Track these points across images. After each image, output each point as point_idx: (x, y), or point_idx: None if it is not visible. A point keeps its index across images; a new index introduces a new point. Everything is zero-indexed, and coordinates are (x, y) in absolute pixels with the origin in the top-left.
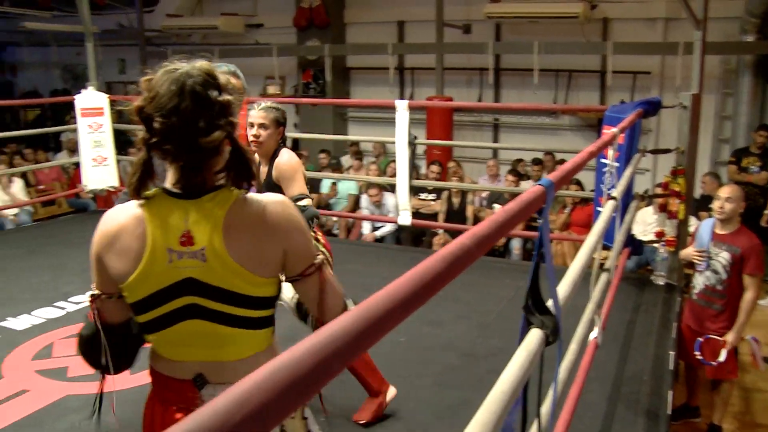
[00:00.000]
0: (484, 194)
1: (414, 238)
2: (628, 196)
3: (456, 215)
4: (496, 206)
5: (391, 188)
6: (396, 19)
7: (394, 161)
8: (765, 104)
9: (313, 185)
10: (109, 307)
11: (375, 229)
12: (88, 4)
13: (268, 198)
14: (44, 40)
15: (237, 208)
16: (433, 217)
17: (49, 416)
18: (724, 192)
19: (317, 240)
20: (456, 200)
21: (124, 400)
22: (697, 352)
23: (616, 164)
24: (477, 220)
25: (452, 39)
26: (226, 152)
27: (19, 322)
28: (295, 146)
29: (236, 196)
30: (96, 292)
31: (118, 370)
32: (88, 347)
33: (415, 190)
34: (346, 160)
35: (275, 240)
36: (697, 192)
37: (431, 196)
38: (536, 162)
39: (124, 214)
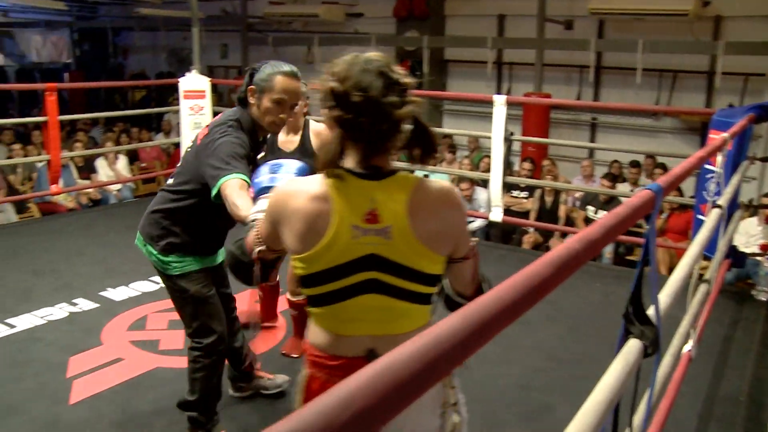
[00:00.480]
0: (578, 194)
1: (503, 235)
2: (732, 205)
3: (548, 214)
4: (590, 208)
5: (483, 183)
6: (497, 13)
7: (487, 156)
8: None
9: None
10: (267, 254)
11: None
12: None
13: (443, 183)
14: (154, 25)
15: (418, 190)
16: (524, 215)
17: (140, 385)
18: None
19: None
20: (549, 199)
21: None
22: None
23: (722, 171)
24: (569, 220)
25: (553, 34)
26: (406, 131)
27: (117, 293)
28: None
29: (415, 179)
30: (262, 247)
31: (255, 285)
32: (240, 272)
33: (507, 187)
34: (439, 152)
35: (452, 222)
36: None
37: (523, 194)
38: (634, 164)
39: (308, 187)
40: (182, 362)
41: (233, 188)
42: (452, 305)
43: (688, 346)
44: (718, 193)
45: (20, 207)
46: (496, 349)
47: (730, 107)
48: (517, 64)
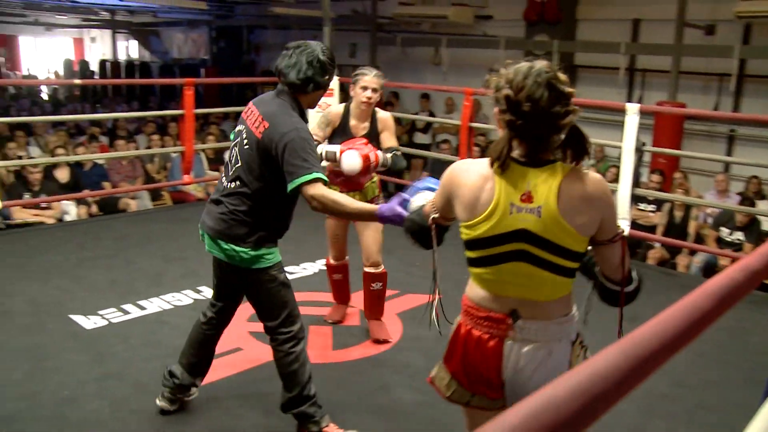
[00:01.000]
0: (709, 211)
1: (628, 248)
2: None
3: (676, 230)
4: (724, 230)
5: None
6: (631, 17)
7: (614, 166)
8: None
9: None
10: (440, 220)
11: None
12: None
13: (592, 175)
14: (286, 24)
15: (569, 178)
16: (651, 229)
17: (256, 376)
18: None
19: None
20: (678, 214)
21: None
22: None
23: None
24: (699, 237)
25: (692, 40)
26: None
27: None
28: None
29: (568, 169)
30: (436, 215)
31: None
32: (419, 236)
33: (634, 199)
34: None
35: (597, 208)
36: None
37: (651, 207)
38: None
39: (477, 169)
40: None
41: (321, 188)
42: (605, 293)
43: None
44: None
45: (155, 194)
46: None
47: None
48: (651, 71)
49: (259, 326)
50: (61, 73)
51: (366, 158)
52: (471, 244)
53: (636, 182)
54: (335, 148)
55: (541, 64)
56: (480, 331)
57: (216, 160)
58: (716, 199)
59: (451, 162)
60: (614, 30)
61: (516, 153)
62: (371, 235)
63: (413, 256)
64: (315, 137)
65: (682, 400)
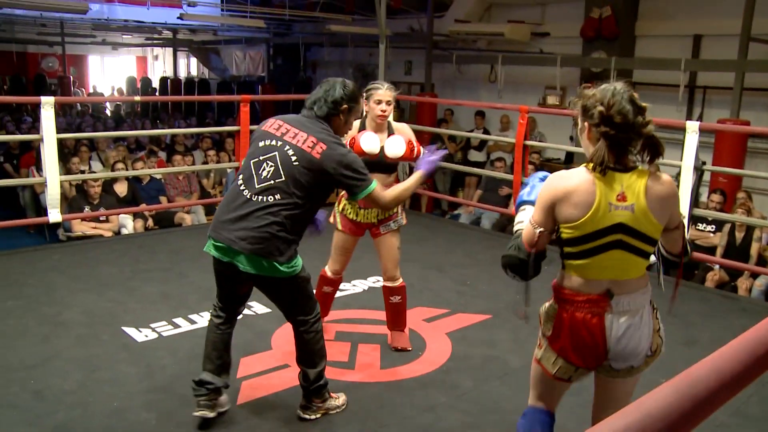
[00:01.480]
0: None
1: (685, 270)
2: None
3: (737, 252)
4: None
5: None
6: (692, 33)
7: None
8: None
9: None
10: (542, 239)
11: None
12: (384, 9)
13: (665, 177)
14: (343, 41)
15: (651, 180)
16: (710, 250)
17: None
18: None
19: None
20: (739, 235)
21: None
22: None
23: None
24: (761, 259)
25: (757, 55)
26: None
27: None
28: (569, 160)
29: (647, 172)
30: (540, 229)
31: (531, 278)
32: (519, 270)
33: (693, 220)
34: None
35: (671, 205)
36: None
37: (710, 227)
38: None
39: (578, 177)
40: (347, 375)
41: (380, 191)
42: (667, 263)
43: None
44: None
45: (209, 209)
46: None
47: None
48: (712, 88)
49: None
50: (125, 90)
51: (410, 143)
52: (573, 241)
53: (695, 202)
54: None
55: (620, 84)
56: (582, 313)
57: None
58: None
59: (505, 180)
60: (674, 46)
61: (609, 161)
62: (389, 251)
63: (464, 276)
64: None
65: (743, 431)
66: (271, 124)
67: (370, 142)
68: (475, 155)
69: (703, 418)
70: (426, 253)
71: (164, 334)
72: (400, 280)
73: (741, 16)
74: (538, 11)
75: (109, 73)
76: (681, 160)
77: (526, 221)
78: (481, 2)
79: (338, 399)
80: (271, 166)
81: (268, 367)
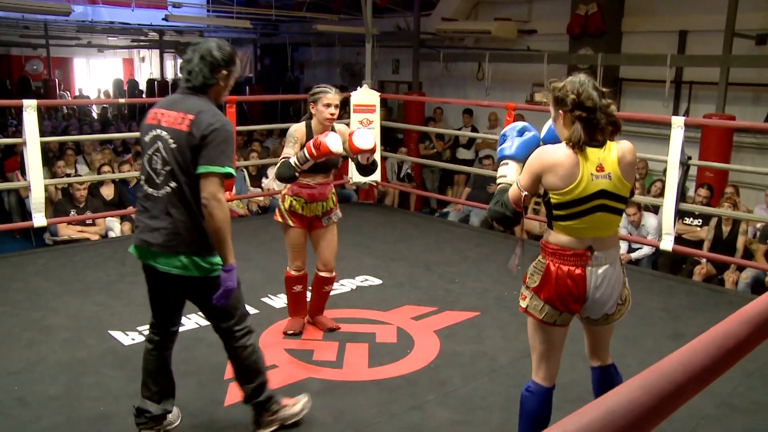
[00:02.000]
0: (759, 225)
1: (673, 264)
2: None
3: (723, 245)
4: None
5: (654, 209)
6: (678, 29)
7: (659, 180)
8: None
9: None
10: (527, 200)
11: (631, 250)
12: (371, 8)
13: (628, 145)
14: (330, 41)
15: (619, 151)
16: (697, 244)
17: (291, 394)
18: None
19: None
20: (726, 228)
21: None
22: None
23: None
24: (747, 253)
25: (742, 51)
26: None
27: (277, 301)
28: None
29: (615, 144)
30: (526, 193)
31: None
32: (505, 222)
33: (680, 214)
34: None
35: (634, 167)
36: None
37: (697, 222)
38: None
39: (563, 152)
40: (334, 374)
41: (221, 188)
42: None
43: None
44: None
45: None
46: None
47: None
48: (698, 83)
49: (295, 343)
50: (111, 92)
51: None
52: (561, 205)
53: (682, 196)
54: (302, 151)
55: (583, 76)
56: (568, 265)
57: (257, 177)
58: (766, 213)
59: (493, 177)
60: (660, 42)
61: (584, 138)
62: (330, 242)
63: (453, 273)
64: (287, 157)
65: (730, 423)
66: (152, 116)
67: (336, 143)
68: (463, 153)
69: (670, 412)
70: (414, 252)
71: None
72: (335, 271)
73: (725, 11)
74: (525, 9)
75: (95, 76)
76: (667, 155)
77: (509, 176)
78: (468, 0)
79: (295, 405)
80: (158, 156)
81: None
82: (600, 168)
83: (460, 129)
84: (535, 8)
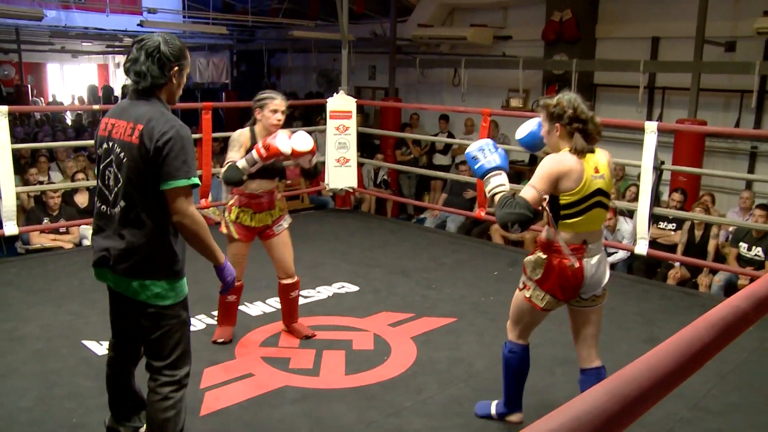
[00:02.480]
0: (731, 229)
1: (647, 268)
2: None
3: (696, 249)
4: (743, 245)
5: (629, 213)
6: (650, 35)
7: (634, 185)
8: None
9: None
10: (543, 202)
11: (607, 254)
12: (347, 14)
13: (605, 151)
14: (306, 47)
15: (605, 155)
16: (671, 248)
17: (268, 403)
18: None
19: None
20: (698, 232)
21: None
22: None
23: None
24: (719, 256)
25: (712, 57)
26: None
27: (253, 309)
28: (533, 161)
29: (598, 150)
30: (546, 195)
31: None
32: (524, 222)
33: (654, 218)
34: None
35: (612, 166)
36: None
37: (671, 226)
38: None
39: (572, 160)
40: (311, 382)
41: (189, 198)
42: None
43: None
44: None
45: None
46: None
47: None
48: (671, 89)
49: (272, 351)
50: (86, 98)
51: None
52: (571, 204)
53: (656, 201)
54: (251, 153)
55: (573, 93)
56: (570, 260)
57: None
58: (738, 217)
59: (470, 183)
60: (633, 48)
61: (581, 146)
62: (285, 248)
63: (430, 280)
64: (233, 161)
65: (704, 426)
66: (103, 126)
67: (285, 143)
68: (440, 159)
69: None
70: (391, 258)
71: None
72: (296, 275)
73: (695, 19)
74: (500, 15)
75: (69, 82)
76: (641, 160)
77: (507, 185)
78: (444, 7)
79: None
80: (111, 171)
81: (231, 376)
82: (596, 170)
83: (436, 135)
84: (511, 15)
